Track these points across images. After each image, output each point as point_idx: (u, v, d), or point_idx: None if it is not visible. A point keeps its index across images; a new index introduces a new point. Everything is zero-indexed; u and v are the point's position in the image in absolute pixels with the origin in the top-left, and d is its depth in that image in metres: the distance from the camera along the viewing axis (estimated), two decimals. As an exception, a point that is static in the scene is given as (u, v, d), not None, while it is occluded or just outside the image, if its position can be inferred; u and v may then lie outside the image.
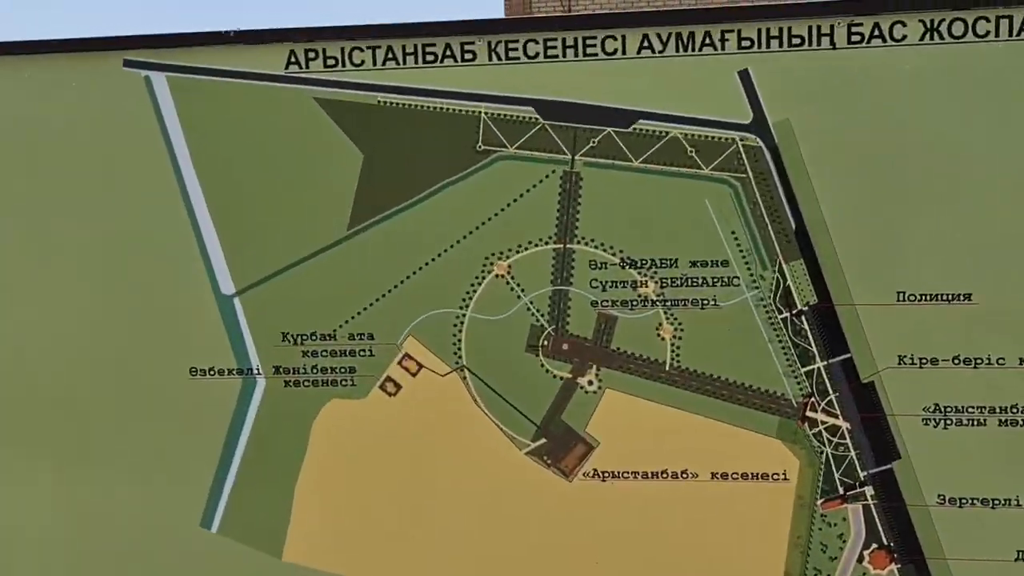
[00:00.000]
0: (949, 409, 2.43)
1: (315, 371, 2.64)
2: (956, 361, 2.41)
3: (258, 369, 2.66)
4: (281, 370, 2.66)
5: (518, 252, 2.53)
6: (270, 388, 2.66)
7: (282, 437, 2.68)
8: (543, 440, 2.60)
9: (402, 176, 2.52)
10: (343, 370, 2.64)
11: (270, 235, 2.59)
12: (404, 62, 2.48)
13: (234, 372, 2.67)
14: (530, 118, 2.47)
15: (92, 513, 2.78)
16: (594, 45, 2.41)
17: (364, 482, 2.67)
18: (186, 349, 2.67)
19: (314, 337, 2.63)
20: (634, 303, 2.51)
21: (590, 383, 2.56)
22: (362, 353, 2.62)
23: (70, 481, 2.77)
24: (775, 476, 2.53)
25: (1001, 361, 2.40)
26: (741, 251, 2.45)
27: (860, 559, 2.54)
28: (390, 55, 2.48)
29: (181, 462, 2.72)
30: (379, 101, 2.50)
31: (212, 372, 2.67)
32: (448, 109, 2.49)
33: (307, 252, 2.58)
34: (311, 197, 2.56)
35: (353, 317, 2.61)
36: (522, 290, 2.55)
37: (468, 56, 2.46)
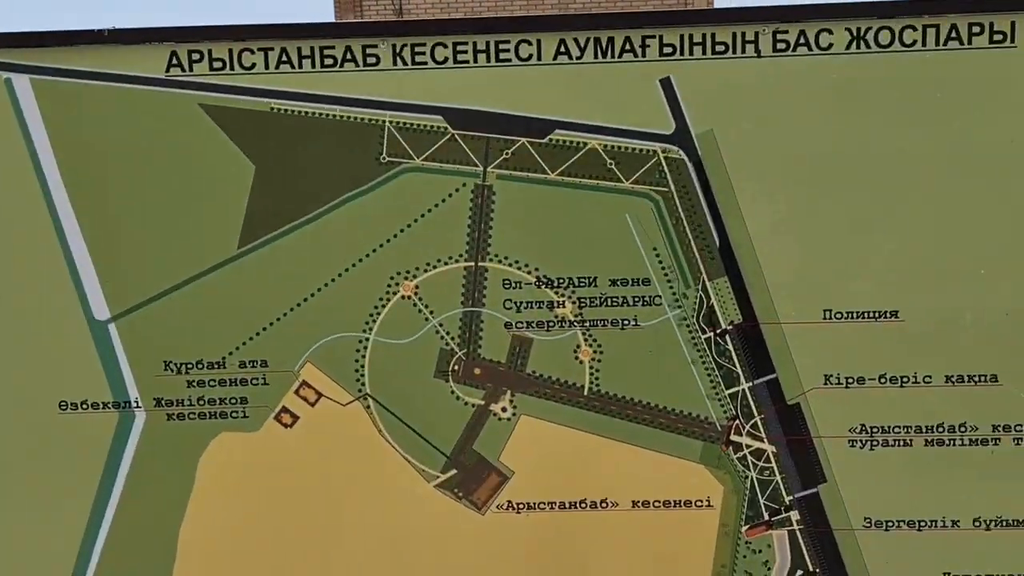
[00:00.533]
0: (875, 430, 2.38)
1: (202, 402, 2.47)
2: (883, 380, 2.36)
3: (137, 402, 2.47)
4: (163, 402, 2.47)
5: (426, 271, 2.39)
6: (151, 422, 2.48)
7: (164, 476, 2.49)
8: (454, 471, 2.47)
9: (298, 189, 2.36)
10: (233, 401, 2.46)
11: (150, 254, 2.40)
12: (300, 65, 2.31)
13: (109, 405, 2.47)
14: (438, 127, 2.33)
15: (-53, 564, 2.53)
16: (507, 50, 2.28)
17: (257, 524, 2.50)
18: (55, 381, 2.47)
19: (200, 365, 2.45)
20: (551, 324, 2.40)
21: (504, 410, 2.44)
22: (254, 382, 2.45)
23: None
24: (699, 503, 2.45)
25: (928, 379, 2.35)
26: (663, 268, 2.36)
27: (786, 586, 2.49)
28: (284, 58, 2.31)
29: (50, 506, 2.51)
30: (272, 108, 2.33)
31: (85, 406, 2.47)
32: (349, 117, 2.33)
33: (192, 273, 2.40)
34: (197, 213, 2.38)
35: (244, 343, 2.43)
36: (431, 312, 2.41)
37: (371, 60, 2.30)
